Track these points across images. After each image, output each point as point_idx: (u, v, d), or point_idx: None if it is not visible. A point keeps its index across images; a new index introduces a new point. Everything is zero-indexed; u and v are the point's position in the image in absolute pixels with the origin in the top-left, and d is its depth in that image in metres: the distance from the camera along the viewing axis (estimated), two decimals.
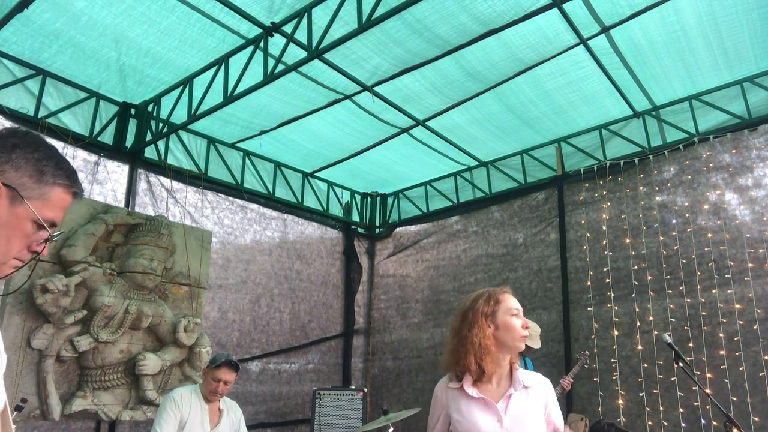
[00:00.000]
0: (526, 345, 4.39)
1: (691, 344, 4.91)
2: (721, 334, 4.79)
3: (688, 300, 5.04)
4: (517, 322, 2.04)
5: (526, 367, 4.25)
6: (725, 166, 5.14)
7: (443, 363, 2.14)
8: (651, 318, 5.21)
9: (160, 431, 3.40)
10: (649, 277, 5.30)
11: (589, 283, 5.67)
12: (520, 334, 2.02)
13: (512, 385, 2.00)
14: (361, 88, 5.22)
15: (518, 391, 1.99)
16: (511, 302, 2.09)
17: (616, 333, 5.38)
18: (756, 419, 4.46)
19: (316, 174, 7.18)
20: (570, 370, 4.91)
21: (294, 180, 7.00)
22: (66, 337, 4.55)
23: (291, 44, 4.34)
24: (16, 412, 3.36)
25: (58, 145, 4.91)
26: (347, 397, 5.61)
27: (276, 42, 4.48)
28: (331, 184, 7.47)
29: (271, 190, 6.69)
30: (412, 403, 6.49)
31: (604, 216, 5.77)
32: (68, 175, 1.13)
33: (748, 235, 4.86)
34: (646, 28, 4.45)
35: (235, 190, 6.30)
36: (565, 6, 4.21)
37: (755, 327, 4.64)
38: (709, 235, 5.06)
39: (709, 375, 4.75)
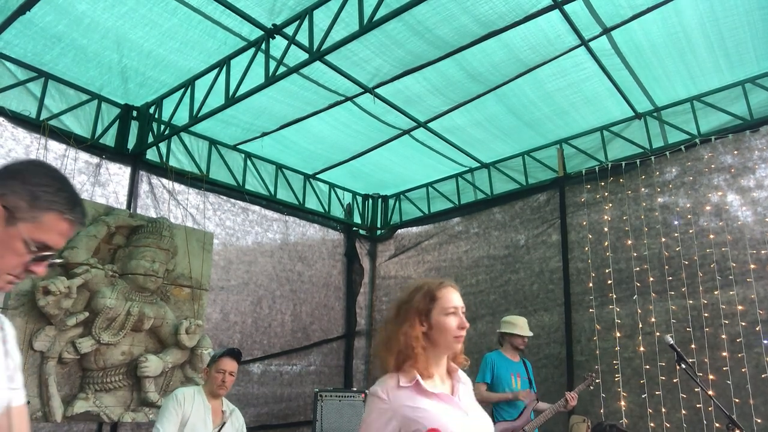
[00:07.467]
0: (518, 335, 4.36)
1: (693, 346, 4.90)
2: (723, 336, 4.78)
3: (690, 301, 5.04)
4: (452, 321, 1.87)
5: (526, 369, 4.24)
6: (727, 167, 5.14)
7: (376, 355, 2.02)
8: (653, 319, 5.20)
9: (161, 428, 3.40)
10: (651, 279, 5.30)
11: (590, 285, 5.66)
12: (454, 334, 1.86)
13: (456, 380, 1.94)
14: (363, 90, 5.22)
15: (463, 384, 1.95)
16: (448, 300, 1.89)
17: (618, 334, 5.36)
18: (758, 421, 4.45)
19: (317, 176, 7.18)
20: (574, 380, 4.88)
21: (295, 182, 7.00)
22: (68, 339, 4.56)
23: (292, 46, 4.35)
24: None
25: (60, 147, 4.93)
26: (349, 399, 5.60)
27: (277, 44, 4.48)
28: (332, 186, 7.47)
29: (272, 192, 6.69)
30: None
31: (605, 217, 5.76)
32: (65, 203, 1.17)
33: (750, 237, 4.85)
34: (647, 29, 4.45)
35: (236, 191, 6.31)
36: (567, 7, 4.22)
37: (758, 329, 4.63)
38: (711, 236, 5.05)
39: (711, 377, 4.74)
